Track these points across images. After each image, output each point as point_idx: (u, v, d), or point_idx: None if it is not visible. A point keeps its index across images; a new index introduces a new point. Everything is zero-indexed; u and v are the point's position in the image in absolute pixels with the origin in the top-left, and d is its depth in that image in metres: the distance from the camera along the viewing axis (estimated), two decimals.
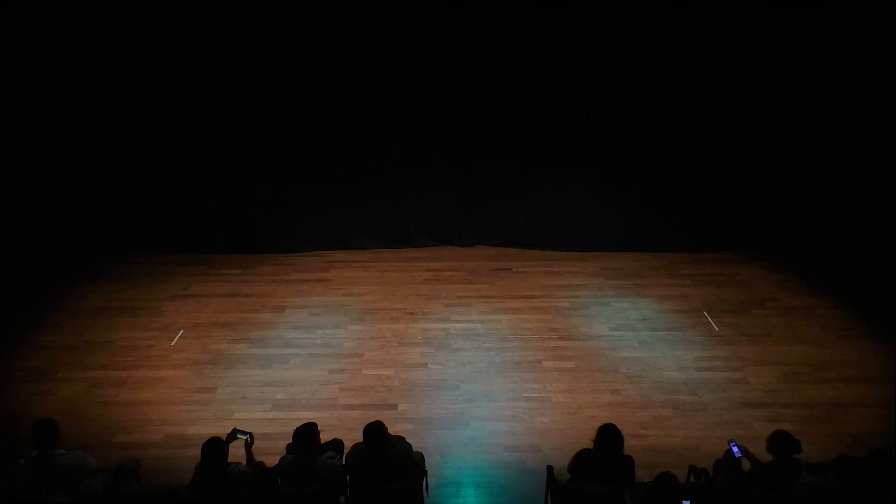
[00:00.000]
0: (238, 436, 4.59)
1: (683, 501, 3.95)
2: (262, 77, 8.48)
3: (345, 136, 8.92)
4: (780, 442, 4.35)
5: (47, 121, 8.34)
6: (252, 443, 4.66)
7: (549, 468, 4.85)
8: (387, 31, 8.26)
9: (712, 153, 8.92)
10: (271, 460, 4.63)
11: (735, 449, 4.58)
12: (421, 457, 4.98)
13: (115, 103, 8.56)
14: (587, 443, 4.55)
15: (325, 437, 5.17)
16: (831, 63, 8.03)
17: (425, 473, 4.91)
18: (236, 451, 4.74)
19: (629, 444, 4.67)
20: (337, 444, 5.08)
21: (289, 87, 8.58)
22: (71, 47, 8.11)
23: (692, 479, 4.81)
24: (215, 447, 4.25)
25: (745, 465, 4.63)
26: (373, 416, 4.58)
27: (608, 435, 4.37)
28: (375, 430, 4.39)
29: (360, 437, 4.49)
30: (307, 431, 4.39)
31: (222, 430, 4.75)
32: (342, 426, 5.91)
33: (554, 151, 9.03)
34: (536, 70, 8.53)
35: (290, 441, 4.59)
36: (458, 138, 8.99)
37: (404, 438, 4.78)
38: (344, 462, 4.67)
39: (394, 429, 4.84)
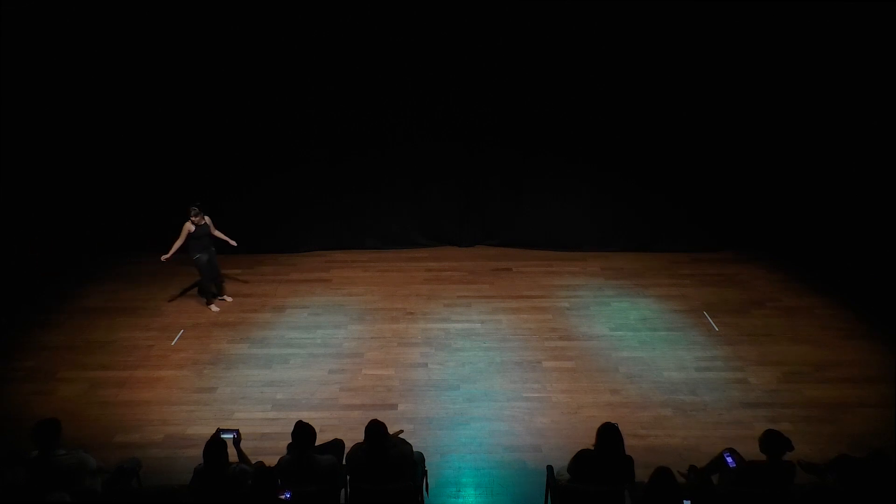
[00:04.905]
0: (223, 436, 4.51)
1: (684, 501, 3.95)
2: (261, 79, 8.49)
3: (345, 136, 8.92)
4: (771, 441, 4.35)
5: (50, 122, 8.34)
6: (239, 439, 4.63)
7: (549, 468, 4.86)
8: (387, 32, 8.27)
9: (713, 153, 8.92)
10: (271, 460, 4.63)
11: (729, 459, 4.56)
12: (421, 457, 4.99)
13: (116, 106, 8.58)
14: (587, 443, 4.56)
15: (325, 438, 5.19)
16: (830, 63, 8.03)
17: (425, 473, 4.91)
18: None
19: (629, 444, 4.67)
20: (337, 444, 5.08)
21: (289, 88, 8.58)
22: (76, 52, 8.13)
23: (692, 478, 4.81)
24: (217, 447, 4.25)
25: None
26: (373, 416, 4.58)
27: (608, 434, 4.37)
28: (376, 430, 4.39)
29: (360, 437, 4.49)
30: (300, 430, 4.39)
31: None
32: (342, 426, 5.92)
33: (554, 151, 9.03)
34: (536, 69, 8.54)
35: (290, 441, 4.58)
36: (457, 138, 8.99)
37: (404, 439, 4.77)
38: (344, 462, 4.67)
39: (394, 429, 4.83)
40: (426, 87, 8.66)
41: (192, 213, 7.59)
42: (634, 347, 7.26)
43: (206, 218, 7.78)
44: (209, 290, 8.05)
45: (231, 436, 4.56)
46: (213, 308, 8.06)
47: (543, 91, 8.67)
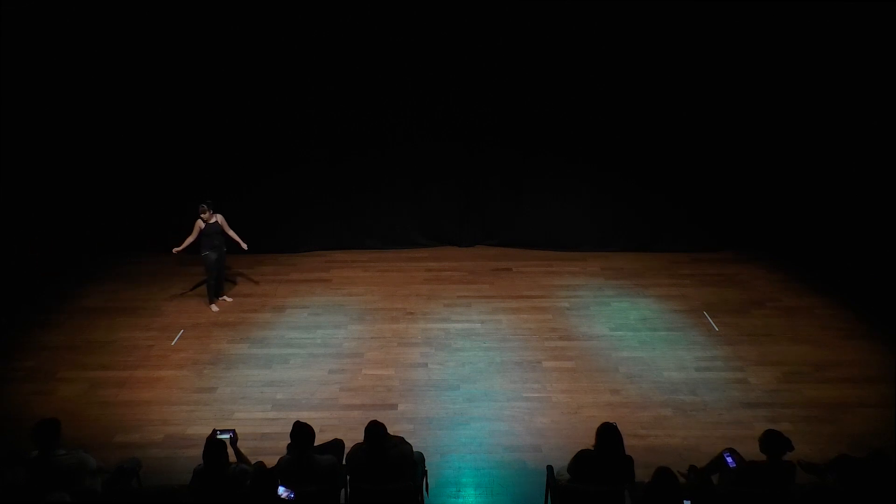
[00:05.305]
0: (219, 436, 4.52)
1: (684, 501, 3.95)
2: (261, 79, 8.49)
3: (345, 136, 8.93)
4: (772, 441, 4.35)
5: (50, 122, 8.35)
6: (236, 439, 4.63)
7: (549, 468, 4.86)
8: (387, 32, 8.28)
9: (712, 153, 8.92)
10: (271, 460, 4.63)
11: (729, 459, 4.56)
12: (421, 457, 4.98)
13: (116, 106, 8.58)
14: (587, 443, 4.56)
15: (325, 438, 5.19)
16: (830, 63, 8.03)
17: (425, 473, 4.91)
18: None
19: (629, 444, 4.68)
20: (337, 444, 5.08)
21: (289, 88, 8.59)
22: (76, 52, 8.13)
23: (692, 478, 4.81)
24: (216, 448, 4.25)
25: None
26: (373, 416, 4.58)
27: (608, 434, 4.37)
28: (376, 430, 4.40)
29: (360, 437, 4.49)
30: (299, 430, 4.40)
31: None
32: (342, 426, 5.91)
33: (554, 151, 9.04)
34: (536, 70, 8.55)
35: (290, 441, 4.58)
36: (457, 138, 9.00)
37: (404, 439, 4.77)
38: (344, 462, 4.67)
39: (394, 429, 4.83)
40: (426, 87, 8.66)
41: (202, 210, 7.64)
42: (634, 347, 7.26)
43: (218, 216, 7.82)
44: (213, 288, 8.06)
45: (227, 436, 4.56)
46: (214, 308, 8.06)
47: (543, 91, 8.67)
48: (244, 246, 8.02)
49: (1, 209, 7.79)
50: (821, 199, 8.75)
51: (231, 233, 7.97)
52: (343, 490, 4.71)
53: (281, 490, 4.18)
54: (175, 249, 7.78)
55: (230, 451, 4.46)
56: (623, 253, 9.50)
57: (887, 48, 7.35)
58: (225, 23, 8.12)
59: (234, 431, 4.63)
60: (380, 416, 4.60)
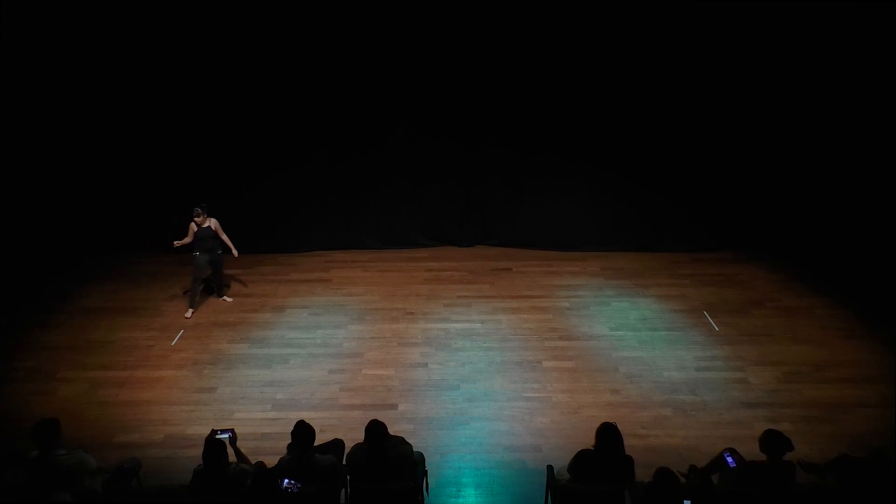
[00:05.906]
0: (218, 436, 4.53)
1: (684, 501, 3.95)
2: (261, 79, 8.49)
3: (345, 136, 8.93)
4: (772, 441, 4.35)
5: (50, 122, 8.35)
6: (235, 439, 4.64)
7: (549, 468, 4.86)
8: (387, 32, 8.28)
9: (712, 153, 8.92)
10: (271, 460, 4.63)
11: (729, 459, 4.57)
12: (421, 457, 4.99)
13: (116, 106, 8.58)
14: (587, 443, 4.56)
15: (325, 438, 5.19)
16: (830, 63, 8.03)
17: (425, 473, 4.91)
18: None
19: (629, 444, 4.67)
20: (337, 444, 5.08)
21: (289, 88, 8.59)
22: (76, 52, 8.13)
23: (692, 478, 4.81)
24: (216, 448, 4.25)
25: None
26: (373, 416, 4.58)
27: (608, 434, 4.37)
28: (376, 430, 4.40)
29: (360, 437, 4.49)
30: (300, 430, 4.40)
31: None
32: (342, 426, 5.91)
33: (554, 151, 9.04)
34: (536, 69, 8.55)
35: (290, 441, 4.58)
36: (457, 138, 9.00)
37: (404, 439, 4.78)
38: (344, 462, 4.67)
39: (394, 429, 4.83)
40: (426, 87, 8.66)
41: (195, 213, 7.65)
42: (634, 347, 7.26)
43: (212, 221, 7.83)
44: (196, 291, 7.98)
45: (227, 436, 4.56)
46: (188, 313, 7.94)
47: (543, 91, 8.67)
48: (235, 253, 8.01)
49: (1, 209, 7.79)
50: (821, 199, 8.74)
51: (224, 237, 7.96)
52: (343, 490, 4.71)
53: (286, 481, 4.18)
54: (176, 242, 7.79)
55: (230, 451, 4.46)
56: (623, 253, 9.50)
57: (887, 48, 7.35)
58: (225, 23, 8.12)
59: (232, 431, 4.63)
60: (380, 416, 4.60)
